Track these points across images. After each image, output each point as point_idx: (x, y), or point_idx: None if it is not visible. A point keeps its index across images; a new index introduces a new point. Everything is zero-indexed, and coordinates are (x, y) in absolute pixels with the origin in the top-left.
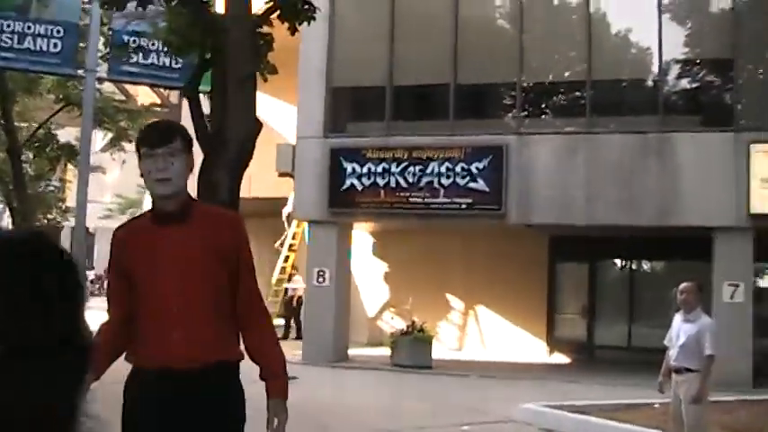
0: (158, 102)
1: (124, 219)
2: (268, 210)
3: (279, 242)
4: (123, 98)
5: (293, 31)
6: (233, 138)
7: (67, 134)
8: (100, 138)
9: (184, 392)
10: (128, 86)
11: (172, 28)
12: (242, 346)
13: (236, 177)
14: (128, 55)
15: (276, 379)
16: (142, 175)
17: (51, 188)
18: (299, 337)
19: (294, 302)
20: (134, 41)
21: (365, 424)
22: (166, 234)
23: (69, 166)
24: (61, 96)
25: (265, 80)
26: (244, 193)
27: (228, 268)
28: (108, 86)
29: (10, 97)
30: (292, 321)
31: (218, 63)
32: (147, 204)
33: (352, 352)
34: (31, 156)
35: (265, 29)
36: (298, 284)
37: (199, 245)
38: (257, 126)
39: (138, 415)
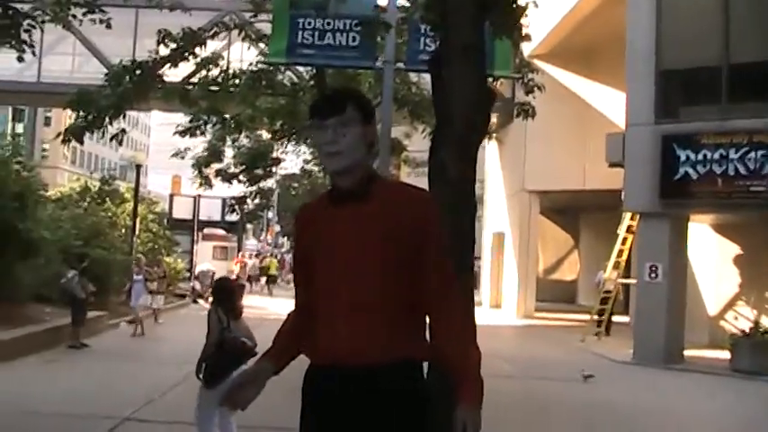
0: None
1: None
2: (603, 202)
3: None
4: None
5: None
6: (458, 112)
7: (395, 131)
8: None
9: (351, 394)
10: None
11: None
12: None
13: (465, 155)
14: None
15: (468, 383)
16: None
17: None
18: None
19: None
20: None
21: None
22: (342, 214)
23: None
24: (380, 92)
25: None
26: (577, 185)
27: (411, 254)
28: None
29: None
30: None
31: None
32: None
33: (688, 353)
34: None
35: None
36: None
37: (376, 226)
38: (488, 98)
39: (305, 415)
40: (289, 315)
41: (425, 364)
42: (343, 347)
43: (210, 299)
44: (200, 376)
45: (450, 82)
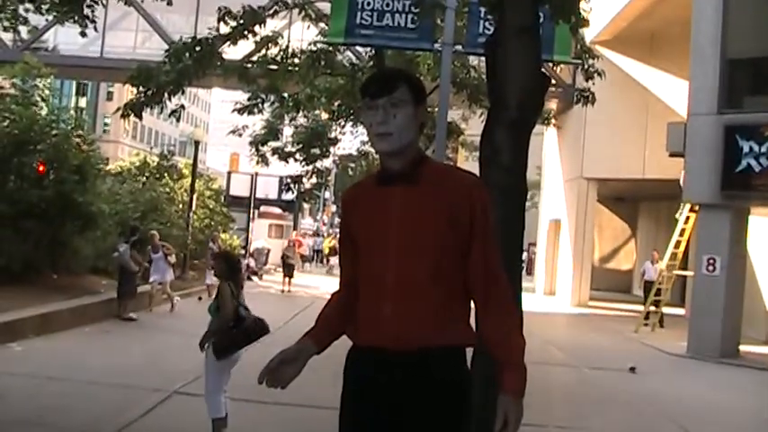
0: (553, 82)
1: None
2: (663, 192)
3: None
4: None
5: None
6: (512, 96)
7: (453, 114)
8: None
9: (393, 379)
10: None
11: None
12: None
13: (519, 138)
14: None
15: (511, 371)
16: (366, 129)
17: None
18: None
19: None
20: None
21: (732, 430)
22: (390, 195)
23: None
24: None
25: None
26: (636, 174)
27: (461, 238)
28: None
29: None
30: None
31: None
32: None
33: (744, 349)
34: None
35: None
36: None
37: (425, 208)
38: (542, 81)
39: (346, 396)
40: (332, 295)
41: (470, 350)
42: (388, 330)
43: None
44: (206, 347)
45: (504, 65)
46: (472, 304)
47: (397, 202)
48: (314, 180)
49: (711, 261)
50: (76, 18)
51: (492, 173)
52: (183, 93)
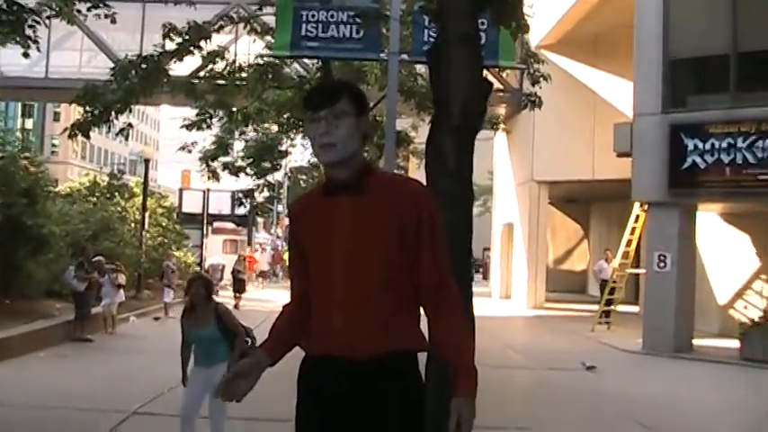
0: (501, 87)
1: (477, 206)
2: (613, 192)
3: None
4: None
5: None
6: (455, 102)
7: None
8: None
9: (346, 385)
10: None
11: None
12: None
13: (463, 144)
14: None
15: (463, 374)
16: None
17: None
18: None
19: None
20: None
21: (687, 422)
22: (337, 205)
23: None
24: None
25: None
26: (586, 175)
27: (408, 245)
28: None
29: None
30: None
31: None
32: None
33: (698, 342)
34: None
35: None
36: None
37: (372, 217)
38: (484, 88)
39: (300, 407)
40: (284, 307)
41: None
42: (338, 340)
43: (218, 291)
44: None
45: (447, 73)
46: (422, 311)
47: (344, 213)
48: (266, 194)
49: (662, 257)
50: (18, 39)
51: (438, 180)
52: (131, 111)
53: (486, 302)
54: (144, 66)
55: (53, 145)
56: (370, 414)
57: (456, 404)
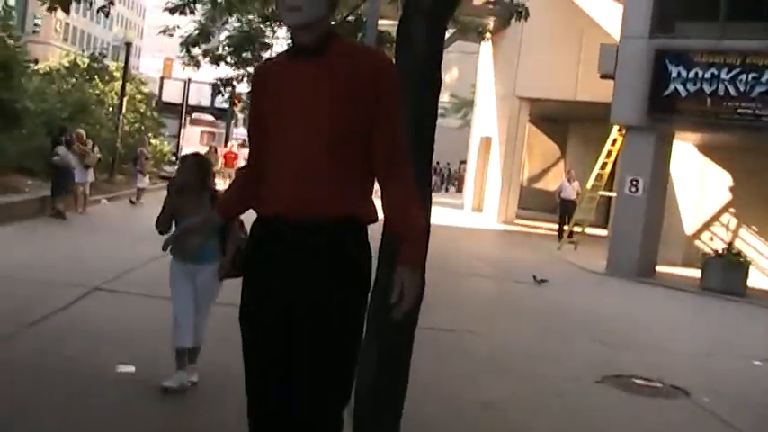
0: None
1: (458, 119)
2: (594, 114)
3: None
4: None
5: None
6: None
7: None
8: None
9: (292, 243)
10: None
11: None
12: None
13: (435, 29)
14: None
15: (409, 243)
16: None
17: None
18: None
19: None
20: None
21: (640, 340)
22: (297, 69)
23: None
24: None
25: None
26: (569, 95)
27: (364, 112)
28: None
29: None
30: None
31: None
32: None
33: (661, 269)
34: None
35: None
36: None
37: (329, 81)
38: None
39: (247, 260)
40: (238, 170)
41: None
42: (288, 201)
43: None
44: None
45: None
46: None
47: (301, 76)
48: (246, 86)
49: (634, 182)
50: None
51: (406, 61)
52: None
53: (458, 214)
54: None
55: (36, 24)
56: (310, 270)
57: (399, 273)
